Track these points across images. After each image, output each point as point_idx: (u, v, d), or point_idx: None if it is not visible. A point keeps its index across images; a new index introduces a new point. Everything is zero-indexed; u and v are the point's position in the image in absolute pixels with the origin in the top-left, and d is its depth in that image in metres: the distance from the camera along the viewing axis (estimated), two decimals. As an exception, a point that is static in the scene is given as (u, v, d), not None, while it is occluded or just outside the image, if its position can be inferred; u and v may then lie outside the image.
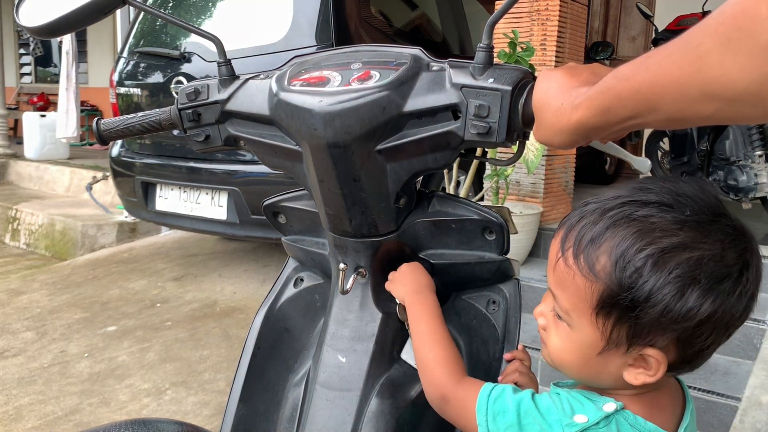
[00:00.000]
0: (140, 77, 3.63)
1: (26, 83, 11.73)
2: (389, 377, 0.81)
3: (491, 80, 0.70)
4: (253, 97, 0.83)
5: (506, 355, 0.83)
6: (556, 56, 3.02)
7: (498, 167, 2.82)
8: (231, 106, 0.85)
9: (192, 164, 3.32)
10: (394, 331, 0.83)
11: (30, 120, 7.33)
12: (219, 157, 3.24)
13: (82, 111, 6.98)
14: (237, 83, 0.85)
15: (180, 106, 0.88)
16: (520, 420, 0.61)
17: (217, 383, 2.58)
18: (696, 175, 3.66)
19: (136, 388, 2.56)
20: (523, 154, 1.83)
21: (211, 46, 0.88)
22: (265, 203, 0.93)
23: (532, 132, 0.69)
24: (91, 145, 8.98)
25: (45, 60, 11.68)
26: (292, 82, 0.77)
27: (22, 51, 11.89)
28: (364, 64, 0.76)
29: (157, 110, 0.93)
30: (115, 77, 3.72)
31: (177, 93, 0.90)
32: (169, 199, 3.46)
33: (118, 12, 5.13)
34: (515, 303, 0.85)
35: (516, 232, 0.86)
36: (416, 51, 0.76)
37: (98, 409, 2.41)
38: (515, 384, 0.72)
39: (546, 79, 0.64)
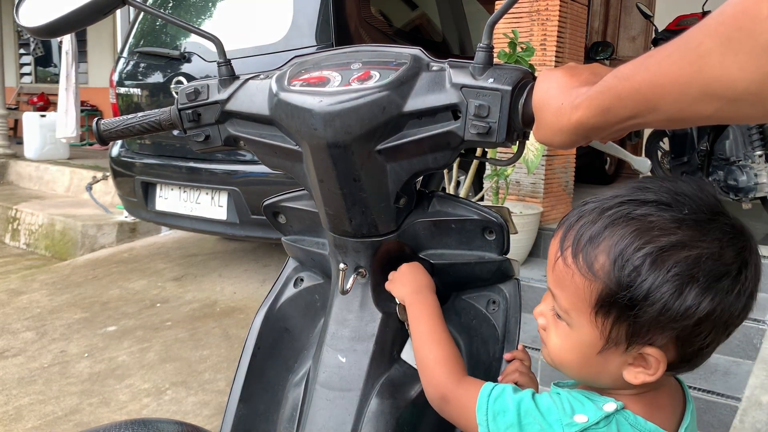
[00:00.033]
0: (140, 77, 3.63)
1: (26, 83, 11.73)
2: (389, 377, 0.81)
3: (491, 80, 0.70)
4: (253, 97, 0.83)
5: (506, 355, 0.83)
6: (556, 56, 3.02)
7: (498, 167, 2.82)
8: (231, 106, 0.85)
9: (192, 164, 3.32)
10: (394, 331, 0.83)
11: (30, 120, 7.33)
12: (219, 157, 3.24)
13: (82, 111, 6.99)
14: (237, 83, 0.85)
15: (180, 106, 0.88)
16: (520, 420, 0.61)
17: (217, 383, 2.58)
18: (696, 175, 3.66)
19: (136, 388, 2.56)
20: (523, 154, 1.83)
21: (211, 46, 0.88)
22: (265, 203, 0.93)
23: (532, 132, 0.69)
24: (91, 145, 8.98)
25: (45, 60, 11.68)
26: (292, 82, 0.77)
27: (22, 51, 11.89)
28: (364, 64, 0.76)
29: (157, 110, 0.93)
30: (115, 77, 3.73)
31: (177, 93, 0.90)
32: (169, 199, 3.46)
33: (118, 12, 5.13)
34: (515, 303, 0.85)
35: (516, 232, 0.86)
36: (416, 51, 0.76)
37: (98, 409, 2.41)
38: (515, 384, 0.72)
39: (546, 79, 0.64)
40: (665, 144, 4.23)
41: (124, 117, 0.95)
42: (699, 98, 0.45)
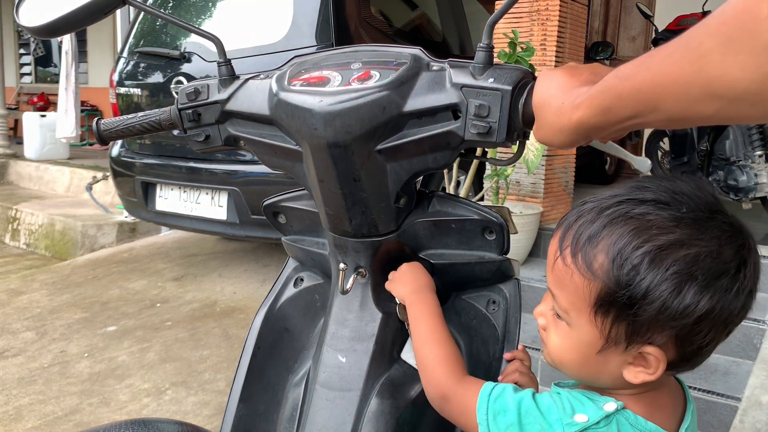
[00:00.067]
0: (140, 77, 3.63)
1: (26, 83, 11.73)
2: (389, 377, 0.81)
3: (491, 80, 0.70)
4: (253, 97, 0.83)
5: (506, 355, 0.83)
6: (556, 56, 3.02)
7: (498, 167, 2.82)
8: (231, 106, 0.85)
9: (192, 164, 3.32)
10: (394, 331, 0.83)
11: (30, 120, 7.33)
12: (219, 157, 3.24)
13: (82, 111, 6.99)
14: (237, 83, 0.85)
15: (180, 106, 0.88)
16: (520, 419, 0.61)
17: (217, 383, 2.58)
18: (696, 175, 3.66)
19: (136, 388, 2.56)
20: (523, 154, 1.83)
21: (211, 46, 0.88)
22: (265, 203, 0.93)
23: (532, 132, 0.69)
24: (91, 145, 8.98)
25: (45, 60, 11.68)
26: (292, 82, 0.77)
27: (22, 51, 11.89)
28: (364, 64, 0.76)
29: (157, 110, 0.93)
30: (115, 77, 3.73)
31: (177, 93, 0.89)
32: (169, 199, 3.46)
33: (118, 12, 5.13)
34: (515, 303, 0.85)
35: (516, 232, 0.86)
36: (416, 51, 0.76)
37: (98, 409, 2.41)
38: (515, 384, 0.72)
39: (546, 78, 0.64)
40: (665, 144, 4.23)
41: (124, 117, 0.95)
42: (700, 98, 0.45)
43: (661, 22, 4.50)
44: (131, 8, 1.98)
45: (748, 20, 0.40)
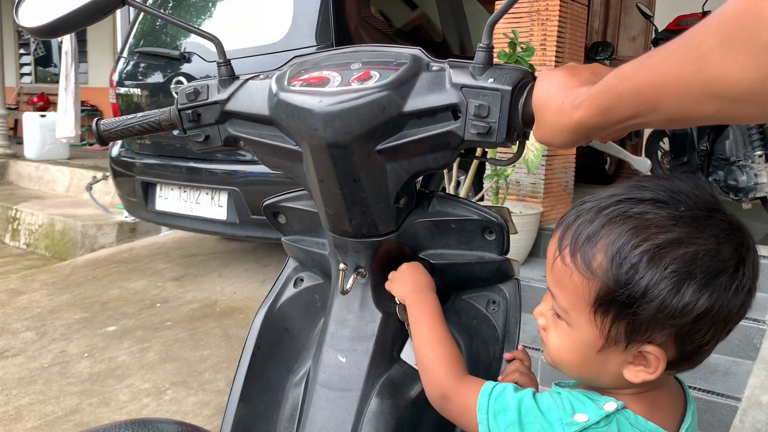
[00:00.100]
0: (140, 77, 3.63)
1: (26, 83, 11.73)
2: (389, 377, 0.81)
3: (491, 80, 0.70)
4: (252, 98, 0.83)
5: (506, 355, 0.83)
6: (556, 56, 3.02)
7: (498, 167, 2.82)
8: (231, 106, 0.85)
9: (192, 164, 3.32)
10: (394, 331, 0.83)
11: (30, 120, 7.33)
12: (219, 157, 3.24)
13: (82, 111, 6.98)
14: (237, 83, 0.85)
15: (180, 107, 0.88)
16: (521, 418, 0.61)
17: (217, 383, 2.58)
18: (696, 175, 3.66)
19: (136, 388, 2.56)
20: (523, 154, 1.83)
21: (211, 46, 0.88)
22: (265, 203, 0.93)
23: (532, 132, 0.69)
24: (91, 145, 8.98)
25: (45, 60, 11.68)
26: (291, 83, 0.77)
27: (22, 51, 11.89)
28: (364, 64, 0.76)
29: (156, 110, 0.93)
30: (115, 77, 3.73)
31: (177, 93, 0.89)
32: (169, 199, 3.46)
33: (118, 12, 5.13)
34: (515, 303, 0.85)
35: (516, 232, 0.86)
36: (416, 51, 0.76)
37: (98, 409, 2.41)
38: (515, 384, 0.72)
39: (546, 78, 0.64)
40: (665, 144, 4.23)
41: (124, 117, 0.95)
42: (700, 98, 0.45)
43: (661, 22, 4.50)
44: (131, 8, 1.98)
45: (749, 20, 0.40)
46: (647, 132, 4.54)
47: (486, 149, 2.40)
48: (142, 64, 3.63)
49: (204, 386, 2.56)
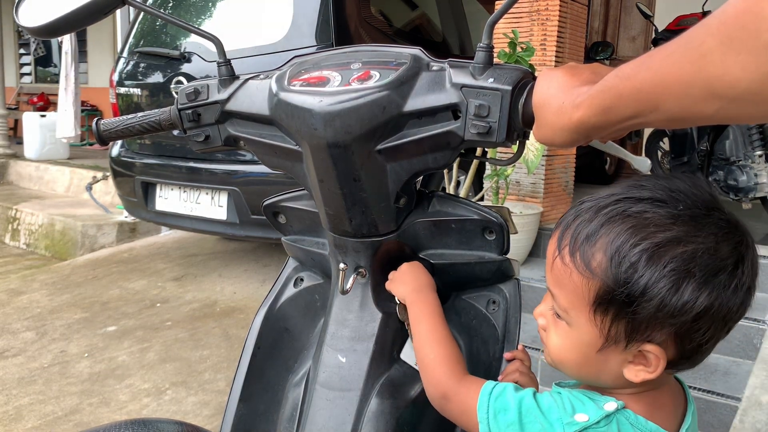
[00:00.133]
0: (140, 77, 3.63)
1: (26, 83, 11.73)
2: (389, 377, 0.81)
3: (491, 80, 0.70)
4: (253, 97, 0.83)
5: (506, 355, 0.83)
6: (556, 56, 3.02)
7: (498, 167, 2.82)
8: (231, 106, 0.85)
9: (192, 164, 3.32)
10: (394, 331, 0.83)
11: (30, 120, 7.33)
12: (219, 157, 3.24)
13: (82, 111, 6.98)
14: (237, 83, 0.85)
15: (180, 107, 0.88)
16: (521, 418, 0.61)
17: (217, 383, 2.58)
18: (695, 174, 3.65)
19: (136, 388, 2.56)
20: (523, 154, 1.83)
21: (211, 46, 0.88)
22: (265, 203, 0.93)
23: (532, 132, 0.69)
24: (91, 145, 8.98)
25: (45, 60, 11.68)
26: (292, 82, 0.77)
27: (22, 51, 11.89)
28: (364, 64, 0.76)
29: (156, 110, 0.93)
30: (115, 77, 3.73)
31: (177, 93, 0.89)
32: (169, 199, 3.46)
33: (118, 12, 5.13)
34: (515, 303, 0.85)
35: (516, 232, 0.86)
36: (416, 51, 0.76)
37: (98, 409, 2.41)
38: (515, 384, 0.72)
39: (546, 78, 0.64)
40: (665, 144, 4.23)
41: (124, 117, 0.95)
42: (701, 97, 0.45)
43: (661, 22, 4.50)
44: (131, 8, 1.98)
45: (749, 20, 0.40)
46: (647, 132, 4.54)
47: (486, 149, 2.40)
48: (142, 64, 3.63)
49: (204, 386, 2.56)
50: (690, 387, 1.01)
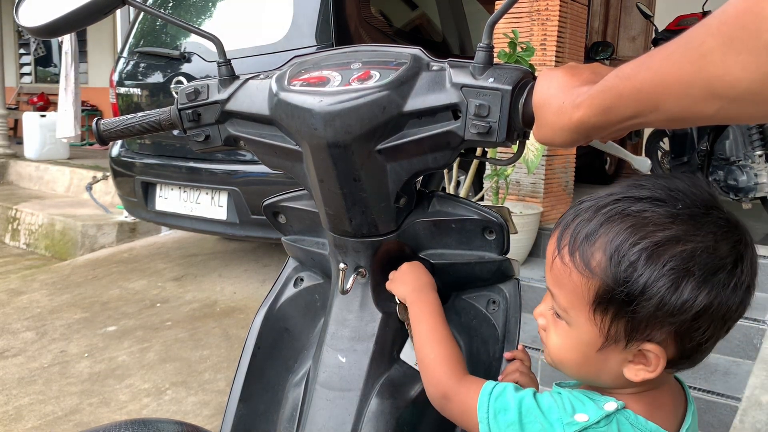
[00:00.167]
0: (140, 77, 3.63)
1: (26, 83, 11.73)
2: (389, 377, 0.81)
3: (491, 80, 0.70)
4: (253, 97, 0.83)
5: (506, 354, 0.83)
6: (556, 56, 3.02)
7: (498, 167, 2.82)
8: (231, 106, 0.85)
9: (192, 164, 3.32)
10: (394, 331, 0.83)
11: (30, 120, 7.33)
12: (219, 157, 3.24)
13: (82, 111, 6.98)
14: (237, 83, 0.85)
15: (180, 107, 0.88)
16: (521, 418, 0.61)
17: (217, 383, 2.58)
18: (695, 174, 3.65)
19: (136, 388, 2.56)
20: (523, 154, 1.83)
21: (211, 46, 0.88)
22: (265, 203, 0.93)
23: (531, 132, 0.69)
24: (91, 145, 8.98)
25: (45, 60, 11.68)
26: (292, 82, 0.77)
27: (22, 51, 11.89)
28: (364, 64, 0.76)
29: (156, 110, 0.93)
30: (115, 77, 3.73)
31: (177, 93, 0.89)
32: (169, 199, 3.46)
33: (118, 12, 5.13)
34: (515, 303, 0.85)
35: (516, 232, 0.86)
36: (416, 51, 0.76)
37: (98, 409, 2.41)
38: (515, 384, 0.72)
39: (547, 78, 0.64)
40: (665, 144, 4.23)
41: (124, 117, 0.95)
42: (701, 97, 0.45)
43: (661, 22, 4.50)
44: (131, 8, 1.98)
45: (749, 20, 0.40)
46: (647, 132, 4.54)
47: (486, 149, 2.40)
48: (142, 64, 3.63)
49: (204, 386, 2.56)
50: (690, 387, 1.01)
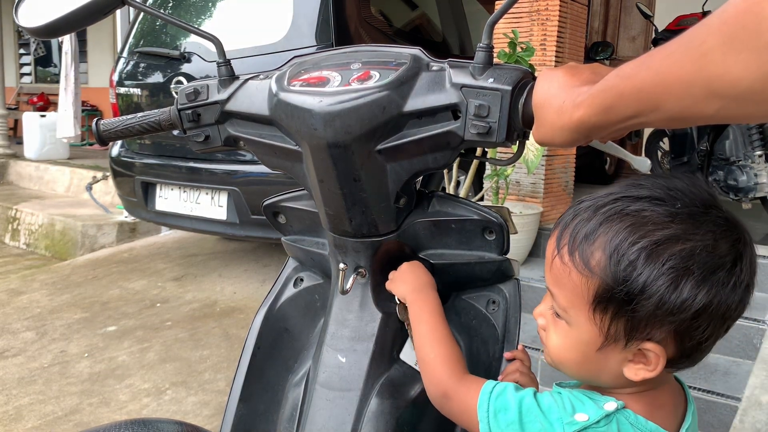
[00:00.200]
0: (140, 77, 3.63)
1: (26, 83, 11.73)
2: (389, 377, 0.81)
3: (491, 80, 0.70)
4: (252, 98, 0.83)
5: (506, 354, 0.83)
6: (556, 56, 3.02)
7: (498, 167, 2.82)
8: (231, 106, 0.85)
9: (192, 164, 3.32)
10: (394, 331, 0.83)
11: (30, 120, 7.33)
12: (219, 157, 3.24)
13: (82, 111, 6.99)
14: (237, 83, 0.85)
15: (180, 107, 0.88)
16: (521, 417, 0.61)
17: (217, 383, 2.58)
18: (695, 175, 3.65)
19: (136, 388, 2.56)
20: (523, 154, 1.83)
21: (211, 46, 0.88)
22: (265, 203, 0.93)
23: (531, 132, 0.69)
24: (91, 145, 8.98)
25: (45, 60, 11.69)
26: (291, 83, 0.77)
27: (22, 51, 11.89)
28: (364, 64, 0.76)
29: (156, 111, 0.93)
30: (115, 77, 3.73)
31: (177, 93, 0.89)
32: (169, 199, 3.46)
33: (118, 12, 5.13)
34: (515, 303, 0.85)
35: (516, 232, 0.86)
36: (416, 51, 0.76)
37: (98, 409, 2.41)
38: (515, 383, 0.72)
39: (547, 78, 0.64)
40: (665, 144, 4.23)
41: (124, 117, 0.95)
42: (701, 97, 0.45)
43: (661, 22, 4.50)
44: (131, 8, 1.98)
45: (750, 19, 0.40)
46: (647, 132, 4.54)
47: (486, 149, 2.40)
48: (142, 64, 3.63)
49: (204, 386, 2.56)
50: (690, 387, 1.01)
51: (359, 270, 0.83)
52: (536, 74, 0.70)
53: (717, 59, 0.43)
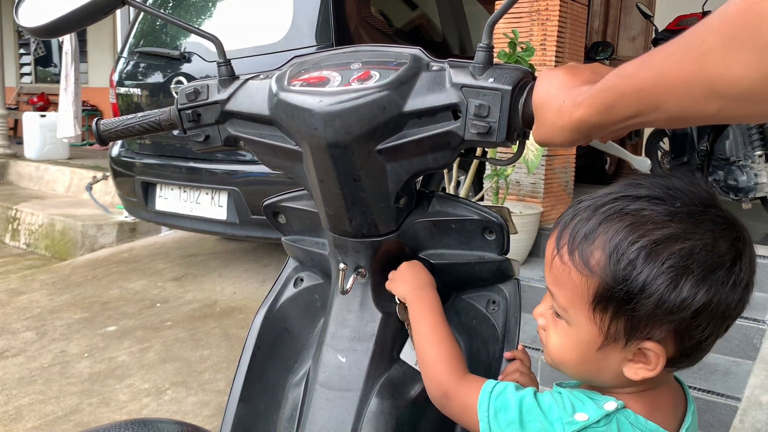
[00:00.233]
0: (140, 77, 3.63)
1: (26, 83, 11.73)
2: (389, 377, 0.81)
3: (491, 80, 0.70)
4: (252, 98, 0.83)
5: (506, 354, 0.83)
6: (556, 56, 3.02)
7: (498, 167, 2.82)
8: (231, 106, 0.85)
9: (192, 164, 3.32)
10: (394, 331, 0.83)
11: (30, 120, 7.33)
12: (219, 157, 3.24)
13: (82, 111, 6.98)
14: (237, 83, 0.85)
15: (180, 107, 0.88)
16: (521, 417, 0.61)
17: (217, 383, 2.58)
18: (695, 174, 3.65)
19: (136, 388, 2.56)
20: (523, 154, 1.83)
21: (211, 46, 0.88)
22: (265, 203, 0.93)
23: (531, 132, 0.69)
24: (91, 145, 8.98)
25: (45, 60, 11.69)
26: (291, 82, 0.77)
27: (22, 51, 11.89)
28: (364, 64, 0.76)
29: (156, 110, 0.93)
30: (115, 77, 3.73)
31: (177, 93, 0.89)
32: (169, 199, 3.46)
33: (118, 12, 5.13)
34: (515, 303, 0.85)
35: (516, 232, 0.86)
36: (416, 51, 0.76)
37: (98, 409, 2.41)
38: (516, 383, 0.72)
39: (547, 78, 0.64)
40: (665, 144, 4.23)
41: (124, 117, 0.95)
42: (702, 96, 0.45)
43: (661, 22, 4.50)
44: (131, 8, 1.98)
45: (750, 19, 0.40)
46: (647, 132, 4.54)
47: (486, 149, 2.40)
48: (142, 64, 3.63)
49: (204, 386, 2.56)
50: (690, 387, 1.01)
51: (359, 270, 0.83)
52: (536, 74, 0.70)
53: (717, 59, 0.43)
